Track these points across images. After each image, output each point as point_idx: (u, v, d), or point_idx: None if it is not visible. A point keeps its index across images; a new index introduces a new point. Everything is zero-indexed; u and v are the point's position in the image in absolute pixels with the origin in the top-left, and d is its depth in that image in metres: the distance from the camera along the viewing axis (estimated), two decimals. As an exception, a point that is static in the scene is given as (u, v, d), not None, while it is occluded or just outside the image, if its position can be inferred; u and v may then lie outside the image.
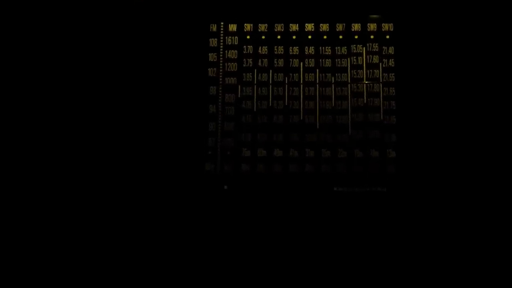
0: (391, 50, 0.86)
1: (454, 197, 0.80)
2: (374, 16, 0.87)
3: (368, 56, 0.86)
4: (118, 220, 0.82)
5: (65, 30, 0.87)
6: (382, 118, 0.84)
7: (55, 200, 0.83)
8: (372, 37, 0.87)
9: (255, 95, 0.86)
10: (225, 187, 0.84)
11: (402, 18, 0.86)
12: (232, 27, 0.89)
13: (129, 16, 0.87)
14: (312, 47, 0.87)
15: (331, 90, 0.86)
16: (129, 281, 0.79)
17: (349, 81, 0.86)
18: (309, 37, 0.88)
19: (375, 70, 0.86)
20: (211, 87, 0.87)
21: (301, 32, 0.88)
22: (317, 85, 0.86)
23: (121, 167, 0.84)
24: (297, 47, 0.87)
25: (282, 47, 0.87)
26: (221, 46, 0.88)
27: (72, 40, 0.87)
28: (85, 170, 0.84)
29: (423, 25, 0.85)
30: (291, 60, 0.87)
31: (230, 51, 0.88)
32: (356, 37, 0.87)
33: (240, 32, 0.88)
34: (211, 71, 0.87)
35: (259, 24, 0.88)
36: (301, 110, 0.86)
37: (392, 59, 0.86)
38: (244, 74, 0.87)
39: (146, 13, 0.88)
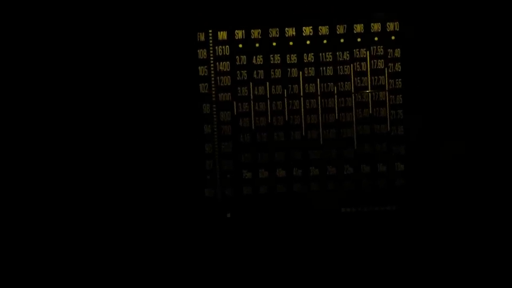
0: (397, 53, 0.79)
1: (466, 209, 0.78)
2: (378, 14, 0.79)
3: (372, 61, 0.79)
4: (117, 254, 0.78)
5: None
6: (389, 129, 0.79)
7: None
8: (376, 39, 0.79)
9: (252, 111, 0.80)
10: (228, 215, 0.79)
11: (408, 16, 0.79)
12: (222, 35, 0.80)
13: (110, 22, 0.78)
14: (312, 53, 0.80)
15: (334, 101, 0.80)
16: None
17: (352, 90, 0.80)
18: (308, 42, 0.80)
19: (380, 77, 0.79)
20: (204, 105, 0.80)
21: (299, 36, 0.80)
22: (319, 97, 0.80)
23: (114, 197, 0.79)
24: (295, 55, 0.80)
25: (278, 55, 0.80)
26: (211, 58, 0.80)
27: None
28: (80, 202, 0.78)
29: (431, 24, 0.78)
30: (289, 70, 0.80)
31: (221, 63, 0.80)
32: (358, 39, 0.79)
33: (231, 40, 0.80)
34: (202, 87, 0.80)
35: (252, 30, 0.80)
36: (303, 125, 0.80)
37: (399, 63, 0.79)
38: (238, 88, 0.80)
39: (130, 22, 0.78)
